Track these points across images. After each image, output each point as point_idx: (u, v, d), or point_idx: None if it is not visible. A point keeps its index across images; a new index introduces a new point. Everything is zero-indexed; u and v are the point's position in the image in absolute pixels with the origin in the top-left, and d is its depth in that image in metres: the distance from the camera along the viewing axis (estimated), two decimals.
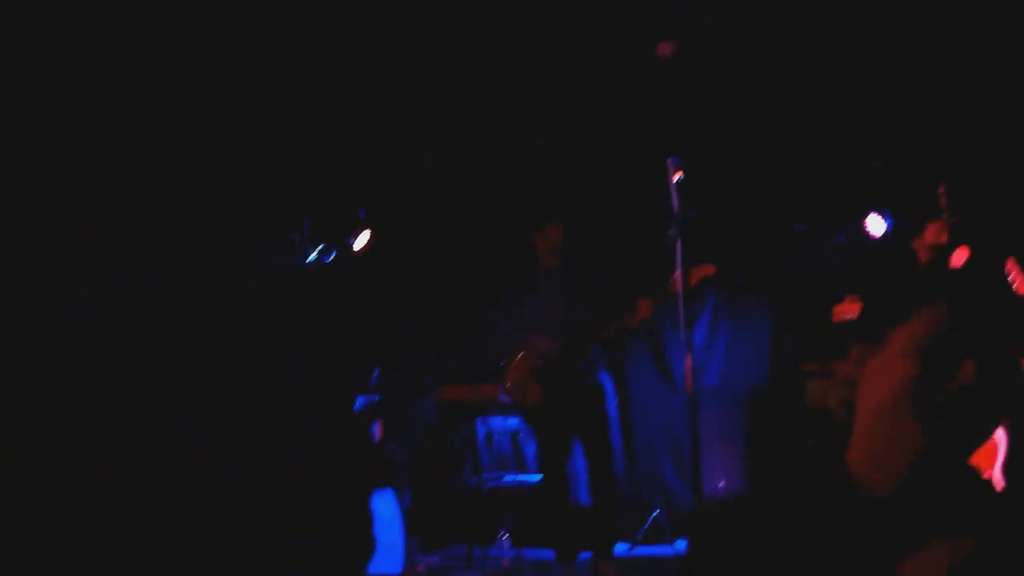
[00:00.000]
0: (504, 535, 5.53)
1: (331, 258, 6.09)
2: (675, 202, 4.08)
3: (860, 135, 5.62)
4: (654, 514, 5.85)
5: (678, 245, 4.08)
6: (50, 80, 4.20)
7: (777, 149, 5.75)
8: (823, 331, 5.30)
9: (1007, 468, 4.03)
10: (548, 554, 5.37)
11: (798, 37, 4.94)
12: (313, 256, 6.03)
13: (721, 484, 5.77)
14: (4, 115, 4.17)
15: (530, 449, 6.14)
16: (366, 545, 5.01)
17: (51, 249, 4.34)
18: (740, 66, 5.05)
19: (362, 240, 6.11)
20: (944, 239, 4.95)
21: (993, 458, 3.96)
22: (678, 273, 4.13)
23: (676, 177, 4.09)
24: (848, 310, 4.95)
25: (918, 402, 1.33)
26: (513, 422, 6.18)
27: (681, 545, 5.74)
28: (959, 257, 4.69)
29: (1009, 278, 4.52)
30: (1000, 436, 4.07)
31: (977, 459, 1.92)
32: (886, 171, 5.77)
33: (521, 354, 5.27)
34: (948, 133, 5.58)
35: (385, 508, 5.30)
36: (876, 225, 5.79)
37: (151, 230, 4.54)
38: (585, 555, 5.15)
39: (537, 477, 5.60)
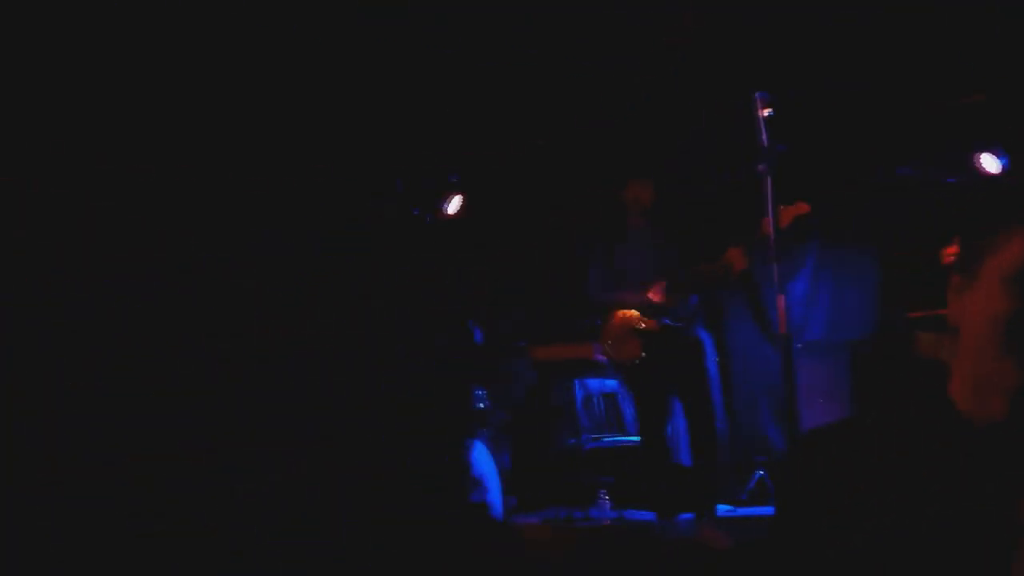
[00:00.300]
0: (604, 496, 5.46)
1: (427, 221, 6.12)
2: (763, 138, 3.88)
3: (964, 66, 5.27)
4: (757, 474, 5.67)
5: (768, 183, 3.88)
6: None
7: (875, 84, 5.45)
8: (934, 278, 5.01)
9: None
10: (649, 516, 5.27)
11: None
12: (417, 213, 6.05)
13: None
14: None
15: (629, 410, 6.03)
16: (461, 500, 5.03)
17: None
18: None
19: (455, 204, 6.11)
20: None
21: None
22: (769, 216, 3.94)
23: (765, 112, 3.89)
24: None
25: (1012, 339, 1.22)
26: (611, 383, 6.09)
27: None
28: None
29: None
30: None
31: None
32: (996, 105, 5.40)
33: (617, 311, 5.17)
34: None
35: (481, 464, 5.31)
36: (990, 163, 5.46)
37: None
38: (686, 516, 5.03)
39: (636, 438, 5.50)
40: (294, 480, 4.62)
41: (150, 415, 4.40)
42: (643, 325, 5.08)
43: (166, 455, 4.29)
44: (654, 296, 5.03)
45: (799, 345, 5.55)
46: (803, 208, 4.54)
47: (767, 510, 5.51)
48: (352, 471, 4.91)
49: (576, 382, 6.05)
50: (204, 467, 4.36)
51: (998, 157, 5.41)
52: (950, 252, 4.73)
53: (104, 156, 4.45)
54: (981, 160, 5.46)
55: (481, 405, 5.67)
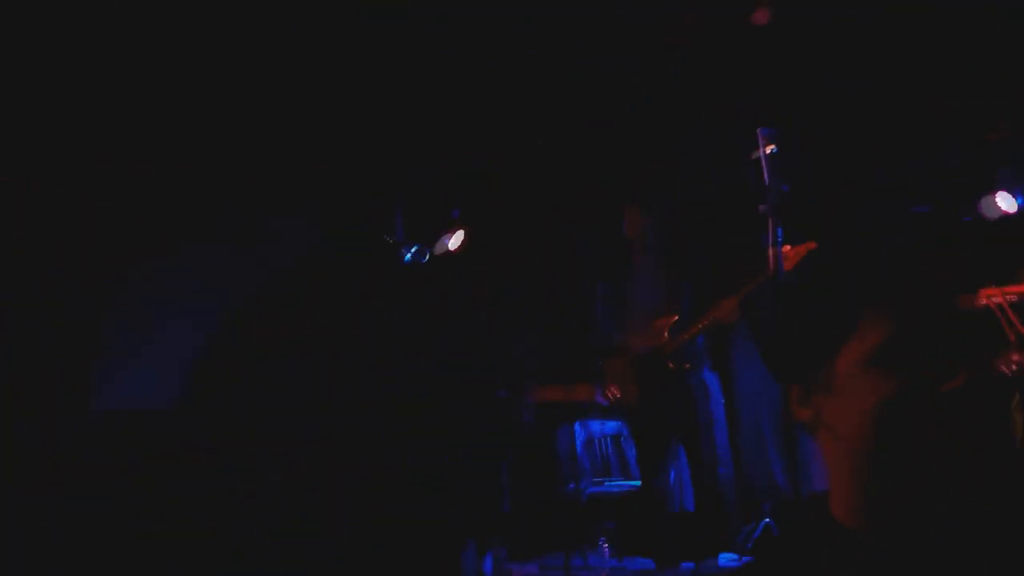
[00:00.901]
0: (604, 543, 5.27)
1: (426, 258, 5.99)
2: (766, 176, 3.74)
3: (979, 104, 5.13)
4: (764, 521, 5.46)
5: (770, 224, 3.74)
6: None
7: (886, 121, 5.31)
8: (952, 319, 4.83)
9: None
10: (649, 564, 5.08)
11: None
12: (409, 256, 5.94)
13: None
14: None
15: (632, 453, 5.85)
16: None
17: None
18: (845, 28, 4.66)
19: (457, 240, 5.99)
20: None
21: None
22: (771, 254, 3.79)
23: (768, 149, 3.76)
24: (991, 295, 4.48)
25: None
26: (613, 424, 5.92)
27: None
28: None
29: None
30: None
31: None
32: (1011, 144, 5.25)
33: (619, 353, 5.02)
34: None
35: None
36: (1006, 202, 5.29)
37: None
38: (687, 565, 4.84)
39: (638, 483, 5.32)
40: (294, 480, 4.60)
41: (150, 415, 4.40)
42: (644, 367, 4.92)
43: (166, 455, 4.29)
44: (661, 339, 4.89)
45: None
46: (811, 246, 4.39)
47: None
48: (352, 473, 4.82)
49: (577, 424, 5.88)
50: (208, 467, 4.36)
51: (1016, 196, 5.24)
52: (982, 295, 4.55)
53: (104, 156, 4.45)
54: (996, 199, 5.30)
55: None
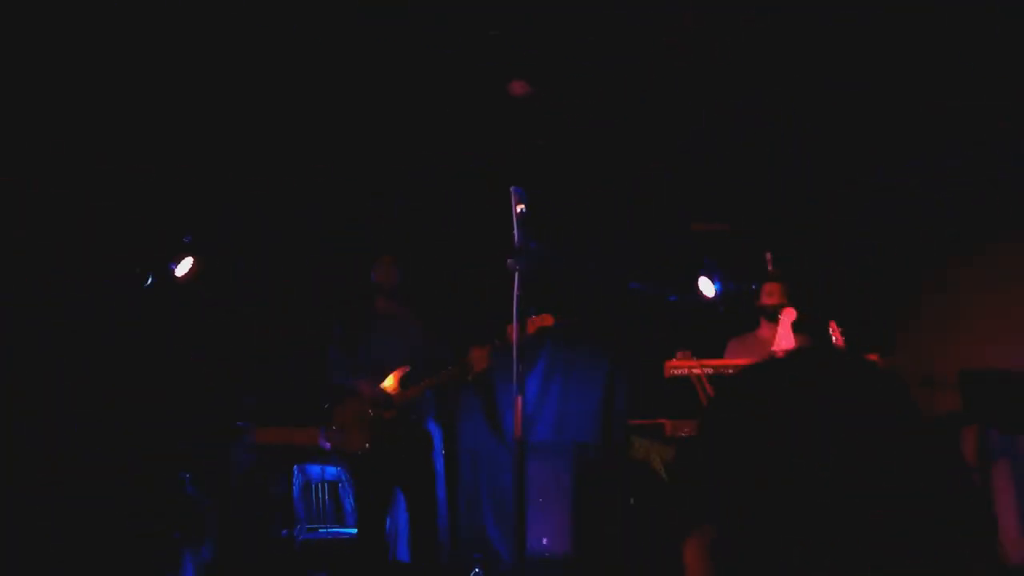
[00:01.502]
0: None
1: (149, 284, 5.66)
2: (516, 233, 3.96)
3: (700, 199, 5.74)
4: (475, 571, 5.62)
5: (516, 277, 3.95)
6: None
7: (620, 203, 5.79)
8: (654, 387, 5.30)
9: None
10: None
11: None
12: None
13: (545, 541, 5.60)
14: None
15: (349, 500, 5.81)
16: None
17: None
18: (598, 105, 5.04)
19: (184, 267, 5.70)
20: (775, 300, 5.11)
21: None
22: (514, 323, 4.00)
23: (519, 208, 3.98)
24: (678, 366, 4.99)
25: None
26: (333, 470, 5.86)
27: None
28: (788, 316, 4.83)
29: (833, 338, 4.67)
30: None
31: None
32: (719, 235, 5.92)
33: (347, 398, 5.00)
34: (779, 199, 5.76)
35: None
36: (706, 287, 5.93)
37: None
38: None
39: (354, 531, 5.29)
40: None
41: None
42: (372, 414, 4.95)
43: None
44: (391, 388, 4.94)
45: (527, 444, 5.62)
46: (548, 320, 4.66)
47: None
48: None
49: (296, 468, 5.76)
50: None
51: (714, 282, 5.89)
52: (672, 365, 5.03)
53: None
54: (699, 283, 5.92)
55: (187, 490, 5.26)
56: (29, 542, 4.00)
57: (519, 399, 4.01)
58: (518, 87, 4.67)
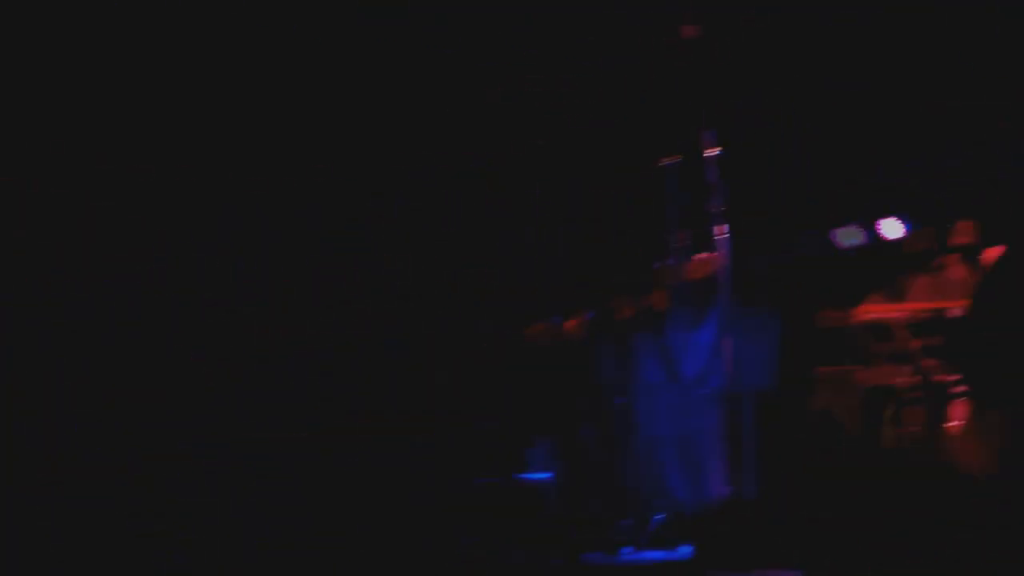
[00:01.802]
0: None
1: None
2: (711, 177, 3.88)
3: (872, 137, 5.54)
4: (657, 517, 5.55)
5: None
6: (50, 80, 4.23)
7: (790, 147, 5.63)
8: (834, 335, 5.20)
9: None
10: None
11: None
12: None
13: (727, 489, 5.50)
14: (4, 115, 4.21)
15: None
16: None
17: (51, 249, 4.43)
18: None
19: None
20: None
21: None
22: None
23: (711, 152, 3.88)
24: (865, 312, 4.88)
25: None
26: None
27: (685, 551, 5.41)
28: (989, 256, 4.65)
29: None
30: None
31: None
32: (902, 174, 5.60)
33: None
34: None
35: None
36: (892, 229, 5.58)
37: (151, 230, 4.68)
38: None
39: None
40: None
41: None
42: None
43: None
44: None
45: (705, 392, 5.55)
46: (720, 259, 4.58)
47: (667, 554, 5.16)
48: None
49: None
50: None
51: (902, 223, 5.53)
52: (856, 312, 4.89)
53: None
54: (883, 225, 5.55)
55: None
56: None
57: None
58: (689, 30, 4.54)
